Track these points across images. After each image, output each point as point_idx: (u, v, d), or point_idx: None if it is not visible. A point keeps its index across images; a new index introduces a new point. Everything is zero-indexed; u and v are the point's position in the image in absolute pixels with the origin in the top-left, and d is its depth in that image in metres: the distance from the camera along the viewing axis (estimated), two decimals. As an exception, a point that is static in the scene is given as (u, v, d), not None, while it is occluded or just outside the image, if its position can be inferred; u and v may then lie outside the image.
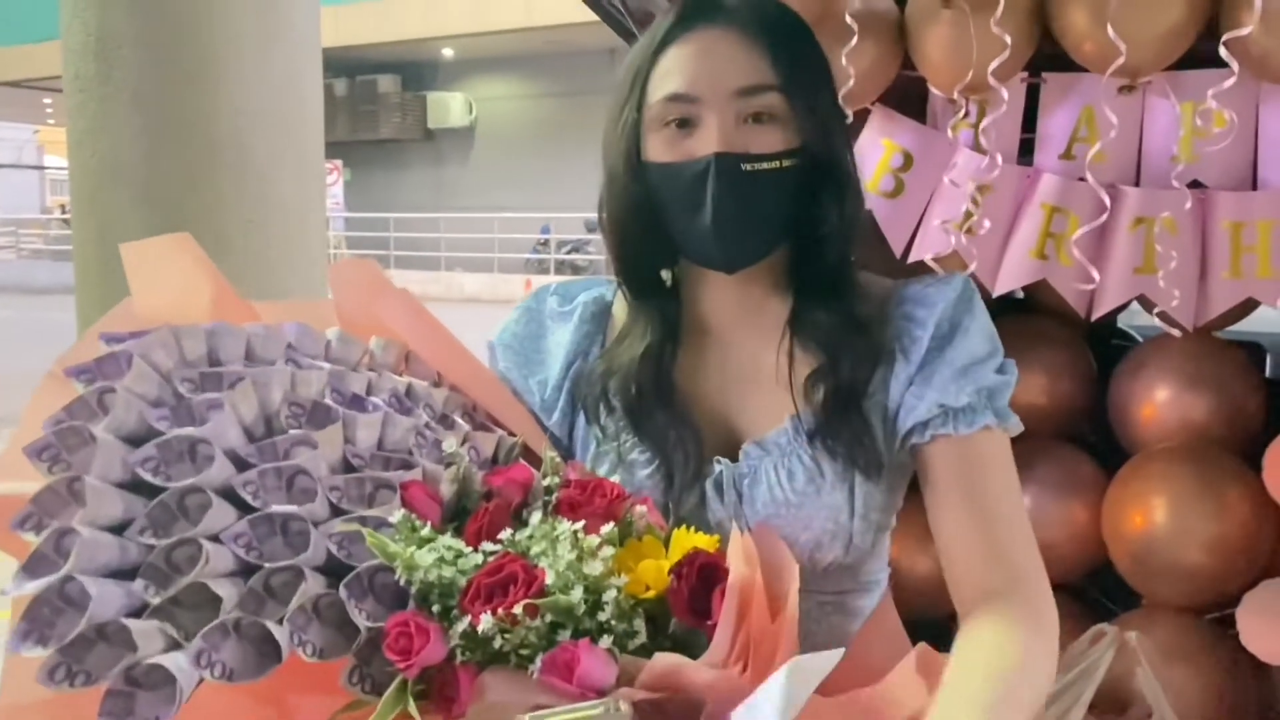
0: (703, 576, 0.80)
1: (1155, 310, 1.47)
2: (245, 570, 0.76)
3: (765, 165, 0.94)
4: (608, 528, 0.80)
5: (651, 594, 0.79)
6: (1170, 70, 1.41)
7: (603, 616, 0.75)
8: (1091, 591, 1.84)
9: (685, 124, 0.96)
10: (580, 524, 0.80)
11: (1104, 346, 1.94)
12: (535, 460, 0.96)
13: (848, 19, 1.39)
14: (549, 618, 0.74)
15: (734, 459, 1.00)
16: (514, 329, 1.11)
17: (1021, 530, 0.95)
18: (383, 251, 18.63)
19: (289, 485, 0.81)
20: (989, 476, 0.96)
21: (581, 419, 1.06)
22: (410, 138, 19.99)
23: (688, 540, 0.83)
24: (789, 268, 1.03)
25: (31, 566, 0.74)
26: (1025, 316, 1.89)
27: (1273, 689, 1.69)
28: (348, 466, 0.85)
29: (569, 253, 17.67)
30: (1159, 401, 1.75)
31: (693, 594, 0.79)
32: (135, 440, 0.80)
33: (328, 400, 0.88)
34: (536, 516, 0.84)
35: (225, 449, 0.80)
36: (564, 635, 0.74)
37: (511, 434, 0.99)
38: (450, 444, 0.90)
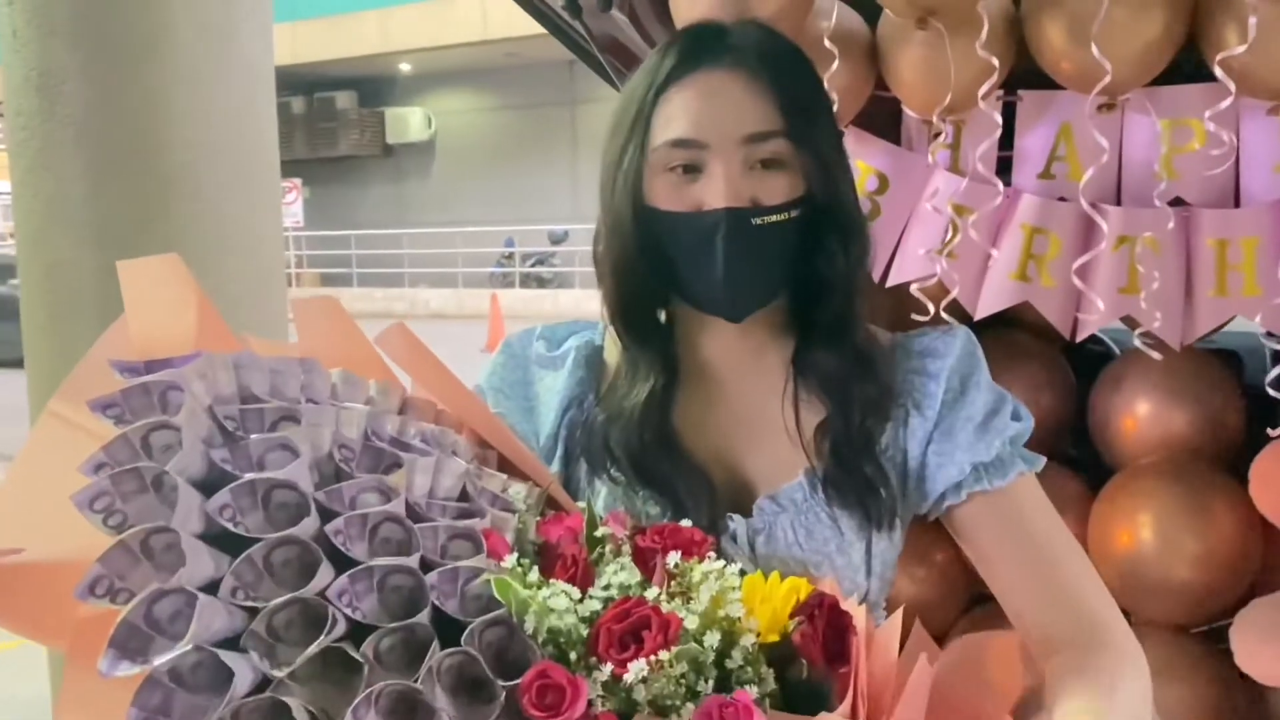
0: (830, 619, 0.76)
1: (1139, 332, 1.45)
2: (353, 633, 0.69)
3: (774, 218, 0.92)
4: (733, 567, 0.76)
5: (774, 638, 0.75)
6: (1149, 86, 1.38)
7: (731, 664, 0.72)
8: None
9: (691, 169, 0.93)
10: (720, 563, 0.76)
11: (1080, 354, 1.92)
12: (556, 507, 0.91)
13: (826, 43, 1.35)
14: (682, 665, 0.70)
15: (745, 510, 0.97)
16: (501, 373, 1.07)
17: (1083, 568, 0.94)
18: (345, 269, 18.51)
19: (371, 535, 0.74)
20: (1035, 521, 0.95)
21: (580, 469, 1.02)
22: (369, 154, 19.91)
23: (765, 587, 0.79)
24: (791, 311, 1.00)
25: (122, 642, 0.65)
26: (1002, 331, 1.86)
27: (1266, 704, 1.67)
28: (409, 513, 0.78)
29: (533, 265, 17.62)
30: (1140, 415, 1.74)
31: (826, 638, 0.75)
32: (195, 486, 0.72)
33: (378, 444, 0.81)
34: (612, 567, 0.78)
35: (308, 493, 0.73)
36: (702, 685, 0.70)
37: (525, 478, 0.93)
38: (517, 490, 0.85)
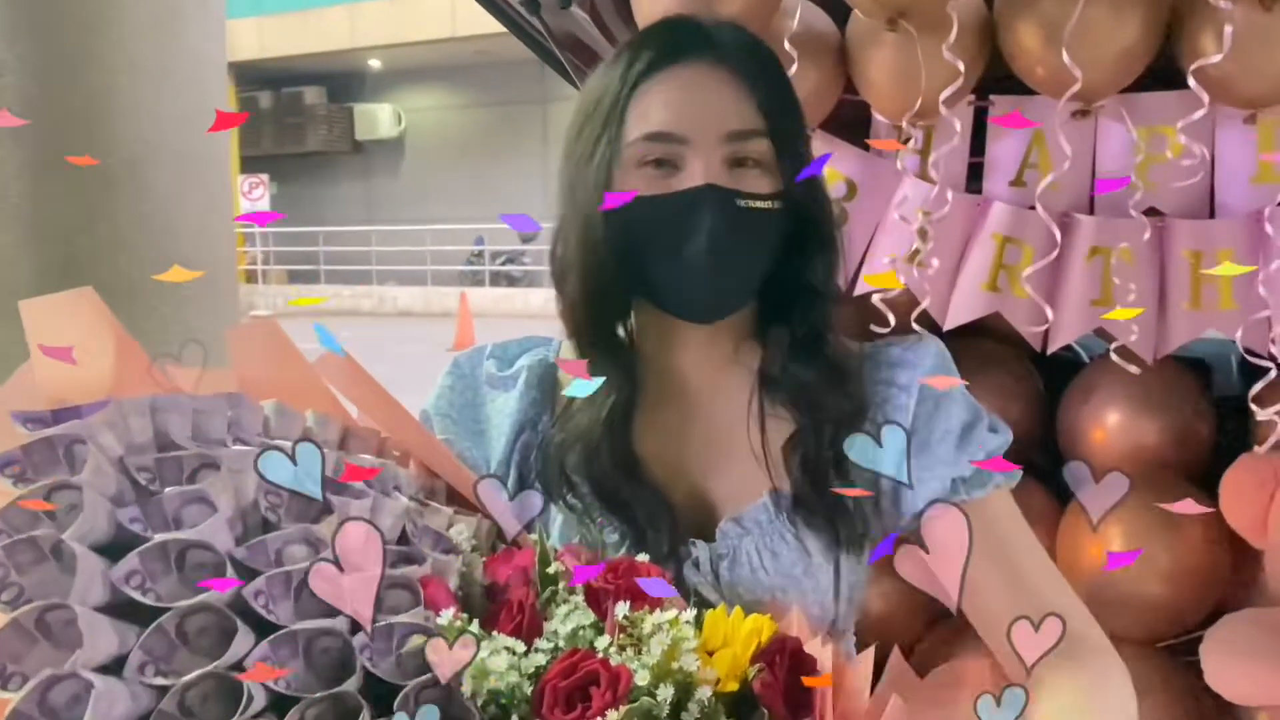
0: (793, 665, 0.71)
1: (1114, 345, 1.41)
2: (277, 703, 0.62)
3: (758, 204, 0.87)
4: (688, 614, 0.71)
5: (733, 686, 0.70)
6: (1125, 93, 1.35)
7: (687, 717, 0.67)
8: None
9: (664, 164, 0.88)
10: (671, 613, 0.71)
11: (1048, 363, 1.90)
12: (505, 538, 0.85)
13: (787, 45, 1.31)
14: None
15: (708, 534, 0.92)
16: (449, 396, 1.01)
17: (1057, 582, 0.91)
18: (313, 266, 18.34)
19: (297, 594, 0.67)
20: (1010, 535, 0.92)
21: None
22: (338, 150, 19.75)
23: (726, 622, 0.74)
24: (758, 322, 0.96)
25: None
26: (970, 339, 1.83)
27: (1235, 718, 1.65)
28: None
29: (504, 263, 17.53)
30: (1109, 426, 1.71)
31: (788, 687, 0.71)
32: (102, 552, 0.66)
33: None
34: (563, 609, 0.73)
35: (225, 552, 0.67)
36: None
37: (474, 512, 0.87)
38: (461, 529, 0.79)
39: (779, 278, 0.92)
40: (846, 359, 0.95)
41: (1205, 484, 1.55)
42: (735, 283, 0.90)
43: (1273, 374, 1.31)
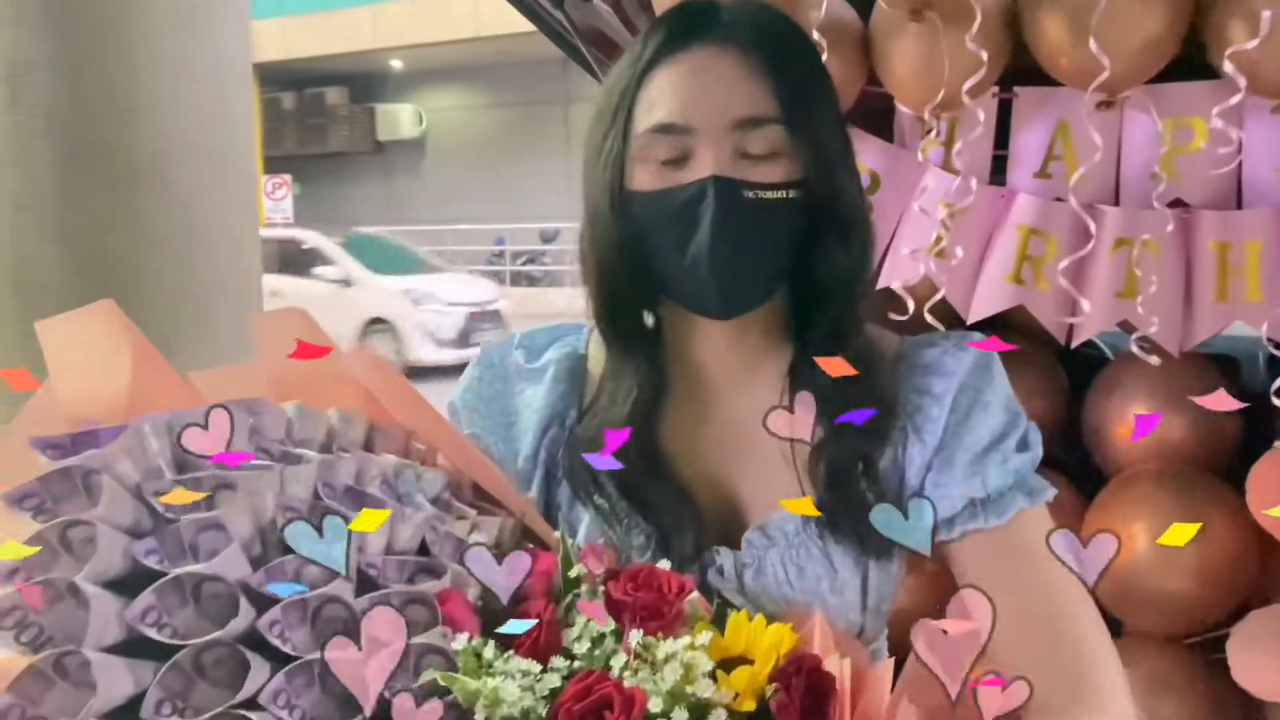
0: (811, 686, 0.69)
1: (1135, 336, 1.40)
2: None
3: (770, 194, 0.84)
4: (703, 638, 0.70)
5: (750, 705, 0.68)
6: (1150, 83, 1.34)
7: None
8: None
9: (674, 162, 0.85)
10: (685, 640, 0.69)
11: (1074, 359, 1.89)
12: (532, 537, 0.84)
13: (815, 34, 1.30)
14: None
15: (735, 539, 0.90)
16: (477, 388, 0.99)
17: (1086, 620, 0.85)
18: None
19: (314, 619, 0.66)
20: (1035, 566, 0.83)
21: (561, 491, 0.95)
22: (360, 150, 19.84)
23: (749, 629, 0.72)
24: (788, 317, 0.93)
25: None
26: (994, 334, 1.82)
27: (1261, 717, 1.64)
28: (361, 579, 0.70)
29: (524, 263, 17.57)
30: (1134, 421, 1.70)
31: (805, 710, 0.68)
32: (118, 585, 0.65)
33: (327, 500, 0.73)
34: (581, 619, 0.72)
35: (239, 582, 0.66)
36: None
37: (500, 508, 0.85)
38: (480, 537, 0.77)
39: (807, 271, 0.89)
40: (875, 357, 0.92)
41: (1233, 479, 1.53)
42: (750, 277, 0.87)
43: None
